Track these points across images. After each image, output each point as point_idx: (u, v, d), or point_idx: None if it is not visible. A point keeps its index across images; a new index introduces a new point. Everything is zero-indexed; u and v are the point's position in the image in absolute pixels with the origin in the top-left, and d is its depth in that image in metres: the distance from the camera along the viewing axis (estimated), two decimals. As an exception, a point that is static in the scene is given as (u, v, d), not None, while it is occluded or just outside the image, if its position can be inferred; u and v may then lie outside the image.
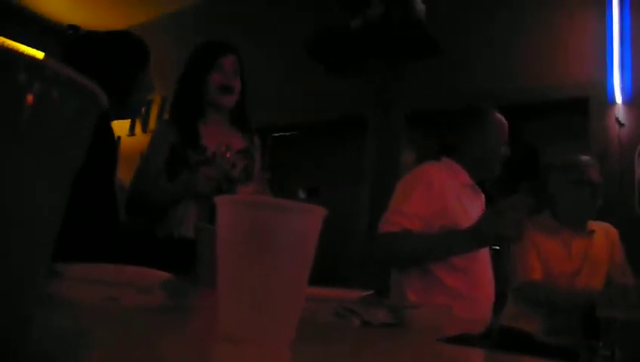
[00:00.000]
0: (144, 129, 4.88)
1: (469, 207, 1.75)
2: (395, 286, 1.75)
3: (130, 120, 5.00)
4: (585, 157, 2.15)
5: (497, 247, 2.16)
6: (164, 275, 1.02)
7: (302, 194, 3.57)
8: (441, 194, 1.66)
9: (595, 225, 2.11)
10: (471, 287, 1.65)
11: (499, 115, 1.85)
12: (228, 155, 1.72)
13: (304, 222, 0.46)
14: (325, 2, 3.65)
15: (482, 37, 3.08)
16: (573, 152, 2.22)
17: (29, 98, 0.28)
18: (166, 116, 4.41)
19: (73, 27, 5.33)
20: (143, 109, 1.77)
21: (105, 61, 1.54)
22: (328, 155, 3.77)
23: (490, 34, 3.05)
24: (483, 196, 1.89)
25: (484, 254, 1.76)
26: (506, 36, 2.99)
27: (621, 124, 2.53)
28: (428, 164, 1.80)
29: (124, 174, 2.01)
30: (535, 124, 3.03)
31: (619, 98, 2.57)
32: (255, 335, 0.47)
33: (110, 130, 1.60)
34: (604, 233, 2.11)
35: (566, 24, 2.82)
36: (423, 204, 1.62)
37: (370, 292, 1.14)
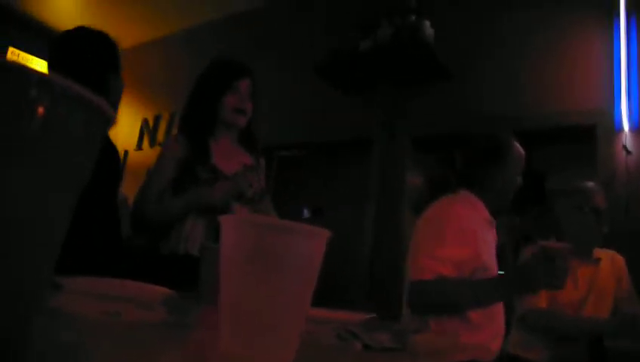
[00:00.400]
0: (151, 143, 4.91)
1: (489, 244, 1.71)
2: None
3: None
4: (590, 184, 2.15)
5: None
6: (165, 291, 1.01)
7: (306, 214, 3.57)
8: (473, 236, 1.61)
9: (601, 252, 2.09)
10: (488, 318, 1.62)
11: (519, 147, 1.81)
12: (248, 179, 1.73)
13: (309, 244, 0.45)
14: (336, 24, 3.69)
15: (489, 62, 3.10)
16: (580, 179, 2.22)
17: (39, 112, 0.29)
18: (174, 131, 4.43)
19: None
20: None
21: (83, 65, 1.57)
22: (334, 175, 3.77)
23: (497, 60, 3.07)
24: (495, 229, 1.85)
25: None
26: (513, 62, 3.01)
27: (628, 152, 2.53)
28: (452, 200, 1.73)
29: (131, 189, 2.02)
30: (543, 151, 3.02)
31: (626, 125, 2.57)
32: (255, 356, 0.46)
33: (112, 144, 1.62)
34: (610, 261, 2.09)
35: (573, 52, 2.83)
36: (457, 249, 1.56)
37: (373, 315, 1.12)
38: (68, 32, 1.65)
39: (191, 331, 0.75)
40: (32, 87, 0.29)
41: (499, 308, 1.70)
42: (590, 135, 2.67)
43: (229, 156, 1.81)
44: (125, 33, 4.96)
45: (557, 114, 2.78)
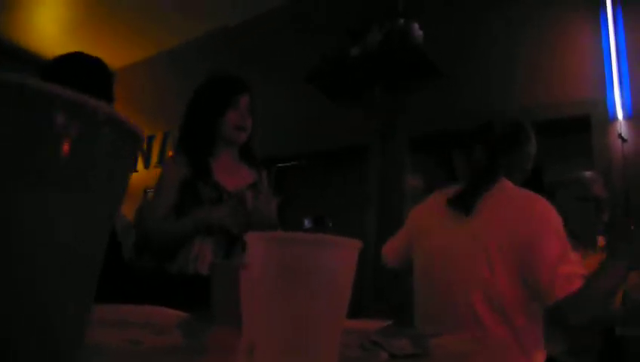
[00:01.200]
0: (146, 164, 4.88)
1: None
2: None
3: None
4: (588, 173, 2.17)
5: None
6: (179, 314, 1.00)
7: (308, 224, 3.55)
8: None
9: (604, 240, 2.09)
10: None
11: None
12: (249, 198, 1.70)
13: (340, 256, 0.44)
14: (324, 32, 3.70)
15: (481, 59, 3.11)
16: (578, 170, 2.23)
17: (67, 137, 0.28)
18: (169, 150, 4.39)
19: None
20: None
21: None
22: (333, 183, 3.76)
23: (489, 56, 3.09)
24: None
25: None
26: (505, 57, 3.02)
27: (624, 140, 2.54)
28: (528, 193, 1.56)
29: (128, 211, 2.00)
30: (539, 144, 3.03)
31: (620, 114, 2.58)
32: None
33: None
34: (615, 249, 2.09)
35: (563, 45, 2.85)
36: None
37: (390, 322, 1.11)
38: (61, 56, 1.62)
39: (208, 355, 0.74)
40: (59, 110, 0.28)
41: None
42: (585, 125, 2.68)
43: (230, 172, 1.79)
44: (113, 55, 4.95)
45: (551, 106, 2.79)
